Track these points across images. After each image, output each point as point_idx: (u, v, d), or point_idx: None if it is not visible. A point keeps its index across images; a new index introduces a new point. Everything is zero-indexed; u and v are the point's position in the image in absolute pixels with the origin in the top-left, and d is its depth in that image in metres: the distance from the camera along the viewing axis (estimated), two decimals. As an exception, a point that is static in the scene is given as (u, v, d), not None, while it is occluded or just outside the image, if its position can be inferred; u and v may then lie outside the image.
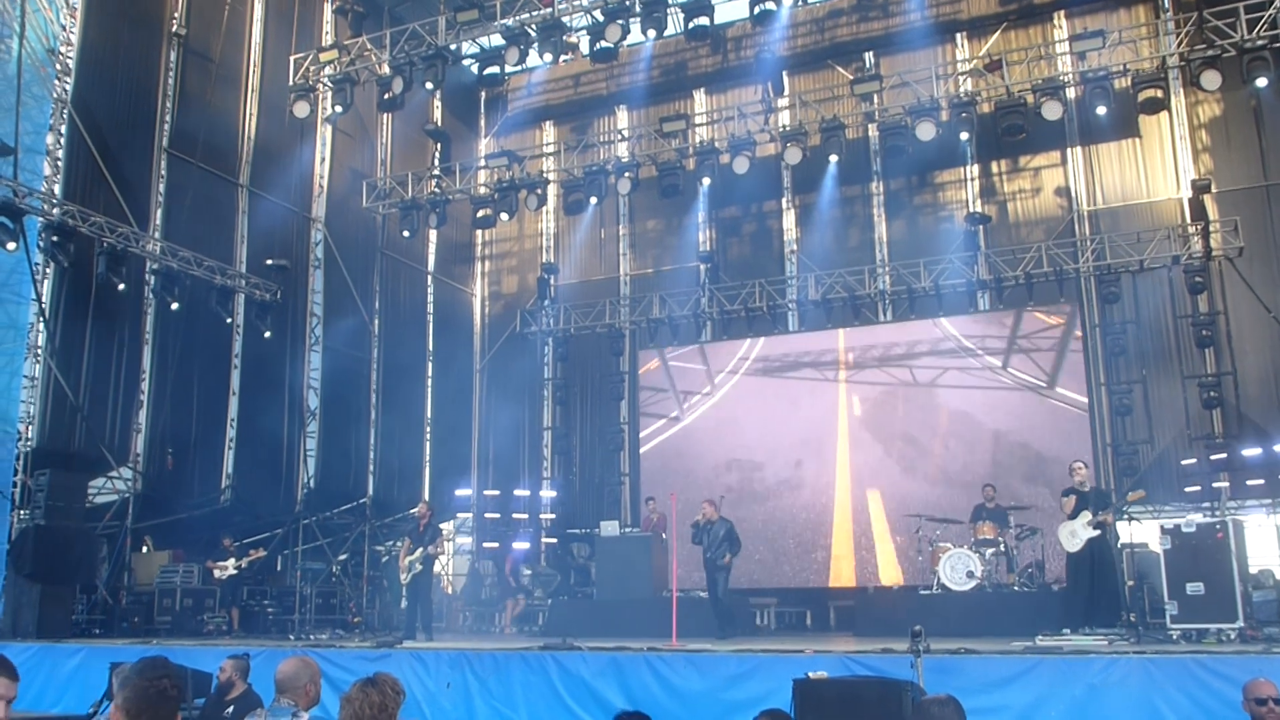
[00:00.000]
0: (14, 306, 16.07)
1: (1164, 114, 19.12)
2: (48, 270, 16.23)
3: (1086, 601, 12.24)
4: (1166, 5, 19.88)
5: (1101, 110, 17.73)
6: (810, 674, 8.51)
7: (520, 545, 21.17)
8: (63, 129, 16.72)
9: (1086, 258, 19.03)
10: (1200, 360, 18.92)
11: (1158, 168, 20.05)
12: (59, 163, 16.60)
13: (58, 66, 16.80)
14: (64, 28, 16.94)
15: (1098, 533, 12.33)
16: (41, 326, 16.12)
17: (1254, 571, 13.81)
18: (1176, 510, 17.70)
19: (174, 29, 18.82)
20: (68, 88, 16.82)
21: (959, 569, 14.25)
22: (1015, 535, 15.13)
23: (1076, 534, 12.38)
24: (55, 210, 15.84)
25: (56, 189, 16.39)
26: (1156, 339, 19.38)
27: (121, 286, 16.51)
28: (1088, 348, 19.00)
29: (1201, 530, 11.59)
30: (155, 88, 18.39)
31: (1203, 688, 8.29)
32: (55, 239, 15.61)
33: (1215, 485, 17.86)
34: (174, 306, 17.46)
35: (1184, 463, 18.52)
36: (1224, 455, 17.84)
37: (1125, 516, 14.12)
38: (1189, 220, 18.94)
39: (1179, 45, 17.36)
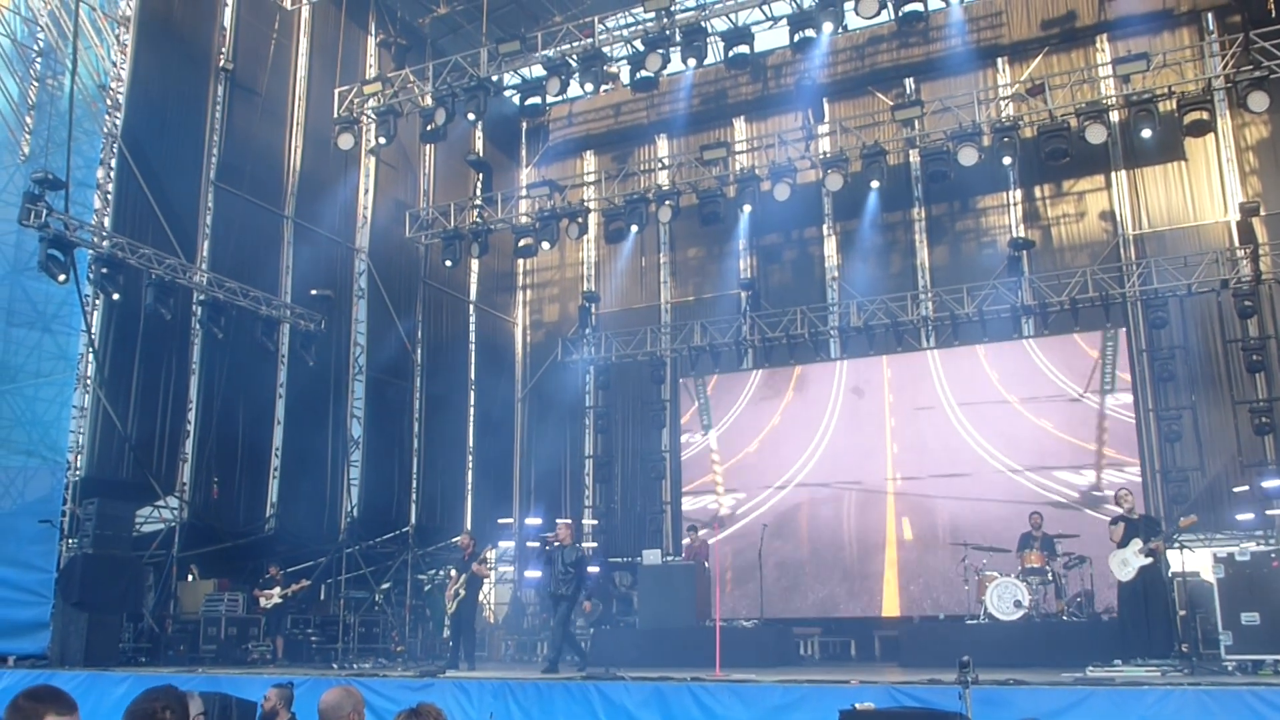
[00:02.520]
0: (64, 338, 16.25)
1: (1210, 136, 18.90)
2: (97, 302, 16.38)
3: (1144, 632, 12.06)
4: (1211, 27, 19.77)
5: (1146, 133, 17.54)
6: (857, 705, 8.39)
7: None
8: (113, 163, 16.95)
9: (1133, 282, 18.82)
10: (1251, 385, 18.62)
11: (1204, 191, 19.81)
12: (109, 196, 16.82)
13: (108, 102, 17.06)
14: (114, 64, 17.22)
15: (1150, 560, 12.13)
16: (91, 357, 16.27)
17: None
18: (1229, 539, 17.41)
19: (221, 64, 19.09)
20: (118, 122, 17.05)
21: (1006, 598, 14.05)
22: (1063, 564, 14.88)
23: (1128, 562, 12.19)
24: (105, 243, 16.01)
25: (106, 222, 16.59)
26: (1205, 364, 19.10)
27: (169, 317, 16.64)
28: (1135, 373, 18.76)
29: (1256, 559, 11.37)
30: (203, 122, 18.65)
31: (1260, 720, 8.08)
32: (105, 271, 15.77)
33: (1269, 513, 17.58)
34: (220, 337, 17.57)
35: (1236, 490, 18.19)
36: (1277, 482, 17.51)
37: (1177, 544, 13.89)
38: (1237, 243, 18.74)
39: (1225, 67, 17.17)
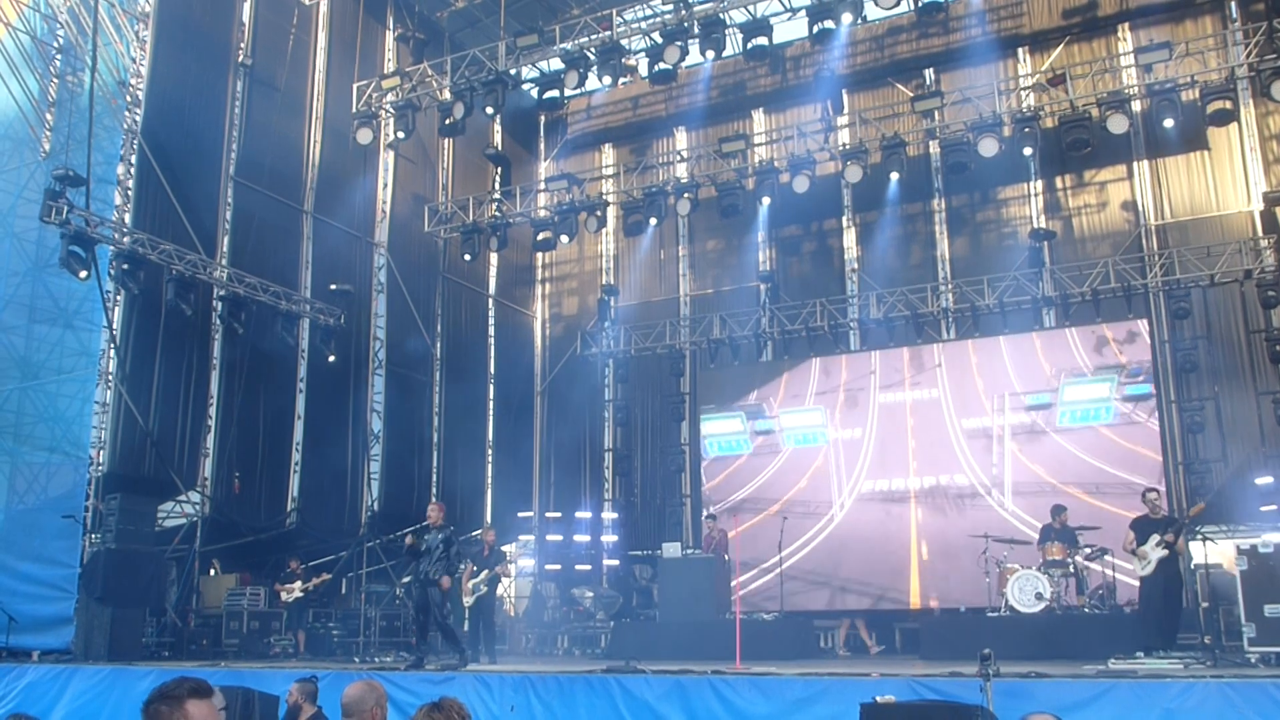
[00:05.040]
0: (86, 334, 16.37)
1: (1233, 126, 18.66)
2: (118, 298, 16.41)
3: (1157, 624, 12.11)
4: (1234, 15, 19.51)
5: (1169, 123, 17.45)
6: (878, 698, 8.40)
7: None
8: (133, 159, 16.97)
9: (1155, 273, 18.65)
10: (1274, 376, 18.38)
11: (1227, 180, 19.59)
12: (129, 192, 16.85)
13: (128, 98, 17.07)
14: (134, 60, 17.25)
15: (1166, 553, 12.18)
16: (112, 353, 16.32)
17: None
18: (1252, 530, 17.18)
19: (240, 59, 19.11)
20: (138, 119, 17.07)
21: (1027, 590, 13.99)
22: (1085, 556, 14.81)
23: (1147, 557, 12.26)
24: (126, 239, 16.05)
25: (127, 218, 16.62)
26: (1229, 355, 18.93)
27: (190, 313, 16.66)
28: (1157, 364, 18.64)
29: (1279, 550, 11.25)
30: (222, 117, 18.67)
31: (1285, 713, 8.04)
32: (126, 267, 15.80)
33: (1292, 504, 17.43)
34: (240, 332, 17.61)
35: (1259, 481, 17.96)
36: (1301, 473, 17.38)
37: (1199, 536, 13.83)
38: (1260, 233, 18.52)
39: (1248, 55, 16.97)
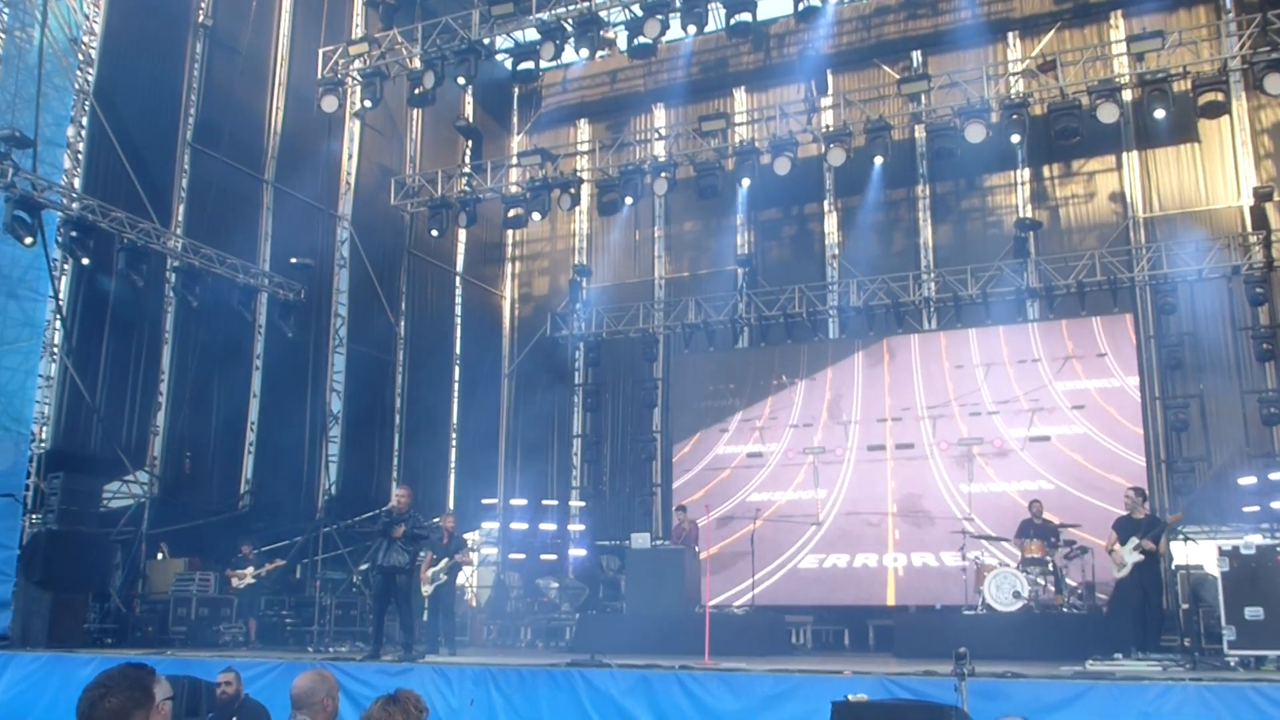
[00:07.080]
0: (30, 304, 15.87)
1: (1225, 118, 18.43)
2: (66, 266, 16.05)
3: (1136, 626, 12.09)
4: (1228, 6, 19.32)
5: (1159, 114, 17.24)
6: (849, 696, 8.33)
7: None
8: (84, 121, 16.57)
9: (1142, 266, 18.50)
10: (1260, 374, 18.31)
11: (1217, 174, 19.44)
12: (79, 156, 16.45)
13: (80, 57, 16.62)
14: (87, 17, 16.81)
15: (1141, 558, 12.18)
16: (58, 325, 15.97)
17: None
18: (1234, 531, 17.10)
19: (200, 20, 18.61)
20: (90, 79, 16.63)
21: (1005, 589, 13.82)
22: (1064, 554, 14.62)
23: (1123, 560, 12.31)
24: (75, 205, 15.65)
25: (76, 183, 16.24)
26: (1215, 351, 18.78)
27: (141, 284, 16.27)
28: (1142, 360, 18.52)
29: (1261, 552, 11.19)
30: (180, 80, 18.16)
31: (1262, 717, 8.03)
32: (74, 234, 15.42)
33: (1275, 505, 17.36)
34: (195, 305, 17.19)
35: (1242, 481, 17.94)
36: (1285, 474, 17.19)
37: (1180, 536, 13.74)
38: (1250, 229, 18.32)
39: (1241, 47, 16.73)
